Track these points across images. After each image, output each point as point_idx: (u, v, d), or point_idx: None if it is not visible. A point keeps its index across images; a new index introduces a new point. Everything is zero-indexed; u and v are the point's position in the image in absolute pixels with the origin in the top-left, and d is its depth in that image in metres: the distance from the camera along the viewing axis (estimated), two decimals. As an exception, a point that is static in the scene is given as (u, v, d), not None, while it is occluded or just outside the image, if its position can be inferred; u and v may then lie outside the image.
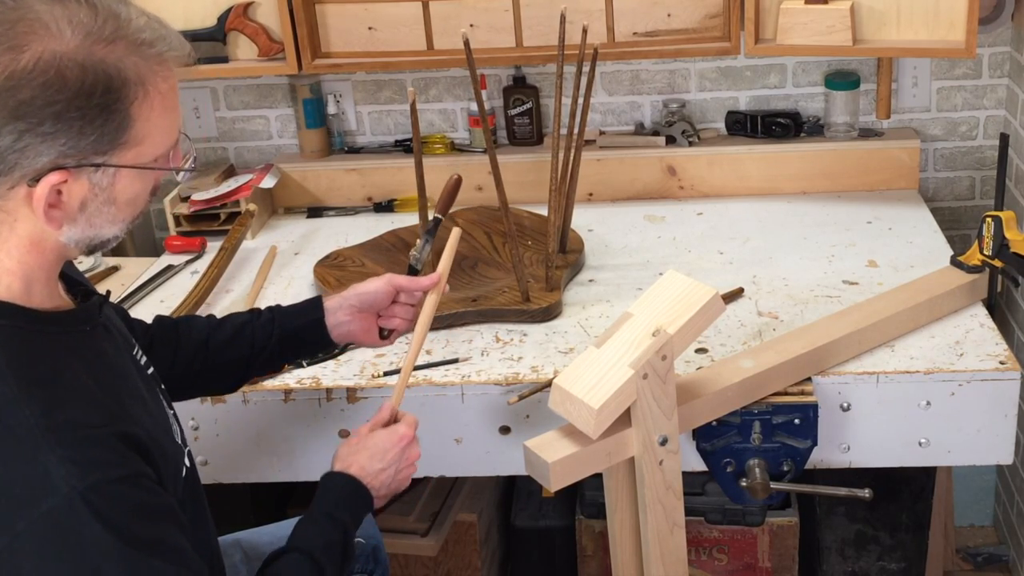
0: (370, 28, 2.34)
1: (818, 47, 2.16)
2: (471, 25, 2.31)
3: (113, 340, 1.21)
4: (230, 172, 2.53)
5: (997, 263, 1.79)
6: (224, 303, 2.08)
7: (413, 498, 2.34)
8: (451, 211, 2.22)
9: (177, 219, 2.38)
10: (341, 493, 1.38)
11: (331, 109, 2.52)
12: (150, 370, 1.30)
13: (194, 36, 2.28)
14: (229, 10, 2.31)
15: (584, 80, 2.01)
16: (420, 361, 1.77)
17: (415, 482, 2.33)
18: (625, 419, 1.44)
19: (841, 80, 2.37)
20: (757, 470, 1.66)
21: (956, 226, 2.49)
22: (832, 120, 2.41)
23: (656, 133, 2.46)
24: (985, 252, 1.81)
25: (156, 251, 2.51)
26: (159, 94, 1.10)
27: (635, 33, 2.31)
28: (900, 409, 1.69)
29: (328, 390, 1.75)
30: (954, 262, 1.90)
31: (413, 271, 1.63)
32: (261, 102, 2.56)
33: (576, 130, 2.01)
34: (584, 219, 2.31)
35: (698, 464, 1.69)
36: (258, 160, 2.60)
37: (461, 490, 2.37)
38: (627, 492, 1.52)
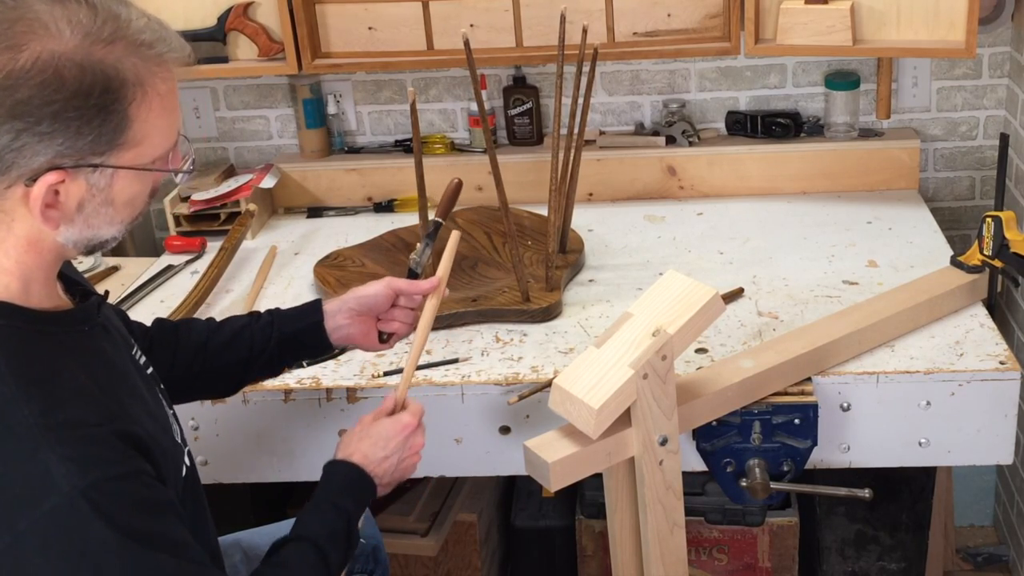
0: (370, 28, 2.35)
1: (818, 47, 2.16)
2: (471, 25, 2.31)
3: (112, 340, 1.21)
4: (230, 172, 2.53)
5: (997, 263, 1.79)
6: (224, 303, 2.08)
7: (413, 498, 2.34)
8: (452, 211, 2.23)
9: (177, 219, 2.38)
10: (344, 481, 1.38)
11: (331, 109, 2.52)
12: (149, 370, 1.30)
13: (194, 36, 2.28)
14: (229, 10, 2.31)
15: (584, 80, 2.01)
16: (420, 361, 1.77)
17: (415, 482, 2.34)
18: (625, 419, 1.44)
19: (841, 80, 2.37)
20: (757, 470, 1.66)
21: (956, 226, 2.49)
22: (832, 120, 2.41)
23: (656, 133, 2.46)
24: (985, 252, 1.81)
25: (156, 251, 2.51)
26: (158, 95, 1.10)
27: (635, 33, 2.31)
28: (900, 409, 1.69)
29: (328, 390, 1.75)
30: (954, 262, 1.90)
31: (413, 275, 1.63)
32: (261, 102, 2.56)
33: (576, 130, 2.01)
34: (584, 219, 2.31)
35: (698, 464, 1.69)
36: (258, 160, 2.60)
37: (461, 490, 2.37)
38: (627, 492, 1.52)
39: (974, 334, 1.78)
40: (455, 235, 1.57)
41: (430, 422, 1.66)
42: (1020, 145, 2.29)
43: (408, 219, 2.35)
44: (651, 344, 1.42)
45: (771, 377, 1.64)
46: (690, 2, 2.28)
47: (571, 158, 2.04)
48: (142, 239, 2.60)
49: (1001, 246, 1.77)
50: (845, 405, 1.69)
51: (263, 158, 2.60)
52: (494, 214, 2.26)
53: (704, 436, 1.66)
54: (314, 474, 1.78)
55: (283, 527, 1.64)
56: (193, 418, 1.77)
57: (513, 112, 2.47)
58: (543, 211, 2.08)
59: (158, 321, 1.56)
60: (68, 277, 1.24)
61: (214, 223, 2.38)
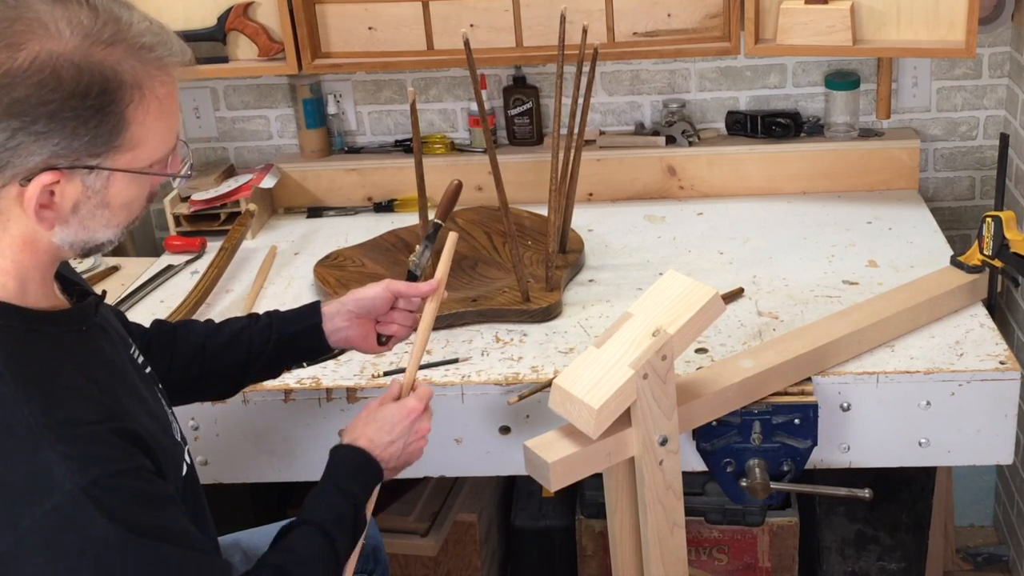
0: (370, 28, 2.35)
1: (818, 47, 2.16)
2: (471, 25, 2.31)
3: (110, 339, 1.22)
4: (230, 172, 2.53)
5: (997, 263, 1.79)
6: (224, 303, 2.08)
7: (413, 498, 2.34)
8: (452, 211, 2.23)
9: (177, 219, 2.38)
10: (350, 465, 1.38)
11: (331, 109, 2.52)
12: (147, 369, 1.30)
13: (194, 36, 2.28)
14: (229, 10, 2.31)
15: (584, 80, 2.01)
16: (421, 361, 1.77)
17: (415, 482, 2.34)
18: (625, 419, 1.44)
19: (841, 80, 2.37)
20: (757, 470, 1.66)
21: (956, 226, 2.49)
22: (832, 120, 2.41)
23: (656, 133, 2.46)
24: (985, 252, 1.81)
25: (156, 251, 2.52)
26: (156, 99, 1.09)
27: (635, 33, 2.31)
28: (900, 409, 1.69)
29: (328, 390, 1.75)
30: (954, 262, 1.90)
31: (412, 277, 1.62)
32: (261, 102, 2.56)
33: (576, 130, 2.01)
34: (584, 219, 2.31)
35: (698, 464, 1.69)
36: (258, 160, 2.60)
37: (461, 490, 2.37)
38: (627, 492, 1.52)
39: (974, 334, 1.78)
40: (453, 236, 1.57)
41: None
42: (1020, 145, 2.29)
43: (408, 219, 2.35)
44: (651, 344, 1.42)
45: (771, 377, 1.64)
46: (690, 2, 2.28)
47: (571, 158, 2.04)
48: (142, 239, 2.61)
49: (1001, 246, 1.77)
50: (845, 405, 1.69)
51: (263, 158, 2.60)
52: (494, 214, 2.26)
53: (704, 436, 1.66)
54: (314, 474, 1.77)
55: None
56: (193, 418, 1.77)
57: (513, 112, 2.47)
58: (543, 211, 2.08)
59: (156, 323, 1.56)
60: (65, 277, 1.24)
61: (214, 223, 2.38)
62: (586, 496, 2.24)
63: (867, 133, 2.42)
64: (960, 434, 1.69)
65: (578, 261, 2.11)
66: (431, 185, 2.02)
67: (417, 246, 1.67)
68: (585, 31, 1.97)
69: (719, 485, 1.71)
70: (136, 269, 2.26)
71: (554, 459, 1.42)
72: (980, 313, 1.84)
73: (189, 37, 2.21)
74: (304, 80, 2.47)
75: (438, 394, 1.73)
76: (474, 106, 2.47)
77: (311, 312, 1.57)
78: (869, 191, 2.40)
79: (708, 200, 2.42)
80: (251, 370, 1.56)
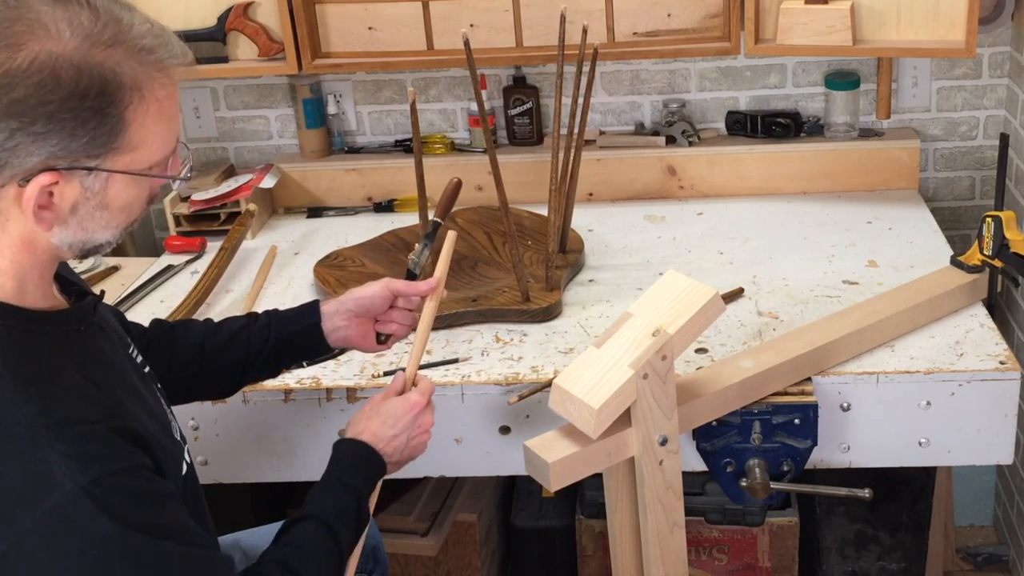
0: (370, 28, 2.35)
1: (818, 47, 2.16)
2: (471, 25, 2.31)
3: (108, 339, 1.22)
4: (230, 172, 2.53)
5: (997, 263, 1.79)
6: (224, 303, 2.08)
7: (413, 498, 2.34)
8: (452, 211, 2.23)
9: (177, 219, 2.38)
10: (354, 459, 1.39)
11: (331, 109, 2.52)
12: (146, 368, 1.30)
13: (194, 36, 2.28)
14: (229, 10, 2.31)
15: (584, 80, 2.01)
16: (420, 361, 1.77)
17: (415, 482, 2.33)
18: (625, 419, 1.44)
19: (841, 80, 2.37)
20: (757, 470, 1.66)
21: (956, 226, 2.49)
22: (832, 120, 2.41)
23: (656, 133, 2.46)
24: (985, 252, 1.81)
25: (156, 251, 2.52)
26: (156, 100, 1.09)
27: (635, 33, 2.31)
28: (900, 409, 1.69)
29: (328, 390, 1.75)
30: (954, 262, 1.90)
31: (411, 275, 1.63)
32: (261, 102, 2.56)
33: (576, 130, 2.01)
34: (584, 219, 2.31)
35: (698, 464, 1.69)
36: (258, 160, 2.60)
37: (461, 490, 2.37)
38: (627, 492, 1.52)
39: (974, 334, 1.78)
40: (451, 235, 1.57)
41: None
42: (1020, 145, 2.29)
43: (408, 219, 2.35)
44: (651, 344, 1.42)
45: (771, 377, 1.64)
46: (690, 2, 2.28)
47: (571, 158, 2.04)
48: (142, 239, 2.61)
49: (1001, 246, 1.77)
50: (845, 405, 1.69)
51: (263, 158, 2.60)
52: (494, 214, 2.26)
53: (704, 436, 1.66)
54: (314, 474, 1.77)
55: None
56: (193, 418, 1.77)
57: (513, 112, 2.47)
58: (543, 211, 2.08)
59: (155, 322, 1.56)
60: (63, 277, 1.24)
61: (214, 223, 2.38)
62: (586, 496, 2.24)
63: (867, 133, 2.42)
64: (960, 434, 1.69)
65: (578, 261, 2.11)
66: (431, 185, 2.02)
67: (416, 244, 1.67)
68: (585, 31, 1.97)
69: (719, 485, 1.71)
70: (136, 269, 2.26)
71: (554, 459, 1.42)
72: (980, 313, 1.84)
73: (189, 37, 2.22)
74: (304, 80, 2.47)
75: (438, 394, 1.73)
76: (474, 106, 2.47)
77: (310, 311, 1.57)
78: (869, 191, 2.40)
79: (708, 200, 2.42)
80: (250, 369, 1.56)
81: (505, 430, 1.74)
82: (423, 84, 2.50)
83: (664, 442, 1.46)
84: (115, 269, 2.27)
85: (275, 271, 2.21)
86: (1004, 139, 1.88)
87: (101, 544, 1.03)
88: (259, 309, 1.68)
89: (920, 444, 1.70)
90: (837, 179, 2.41)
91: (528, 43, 2.33)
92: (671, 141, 2.44)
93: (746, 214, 2.34)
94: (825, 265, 2.07)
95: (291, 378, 1.77)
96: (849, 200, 2.37)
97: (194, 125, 2.57)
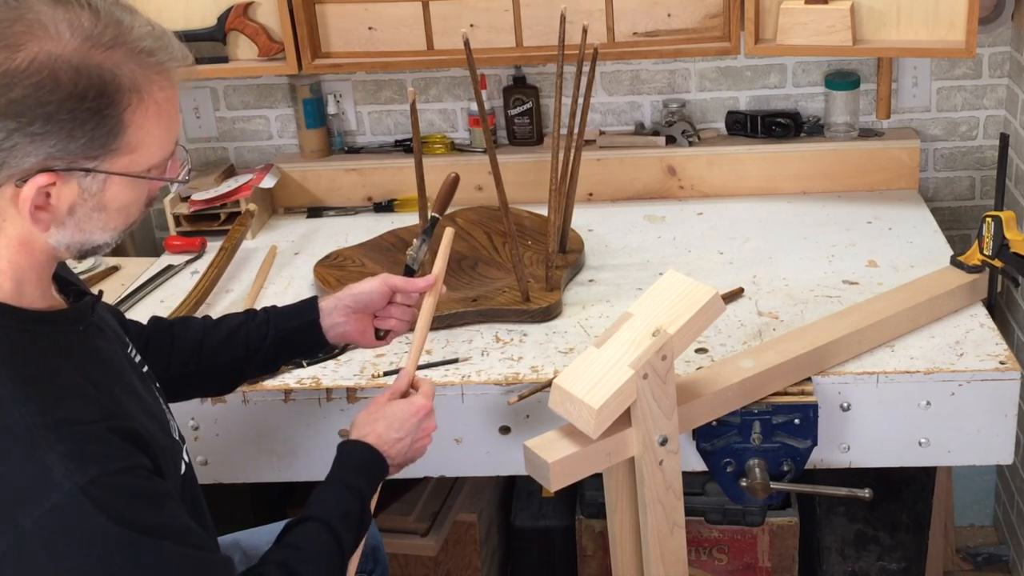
0: (370, 28, 2.35)
1: (818, 47, 2.16)
2: (471, 25, 2.31)
3: (107, 339, 1.22)
4: (230, 172, 2.53)
5: (997, 263, 1.79)
6: (224, 303, 2.08)
7: (413, 498, 2.34)
8: (452, 211, 2.23)
9: (177, 219, 2.38)
10: (358, 461, 1.39)
11: (331, 109, 2.52)
12: (145, 368, 1.30)
13: (194, 36, 2.28)
14: (229, 10, 2.31)
15: (584, 80, 2.00)
16: (420, 361, 1.77)
17: (415, 482, 2.33)
18: (625, 419, 1.44)
19: (841, 80, 2.37)
20: (757, 470, 1.66)
21: (956, 226, 2.49)
22: (832, 120, 2.41)
23: (656, 133, 2.46)
24: (985, 252, 1.81)
25: (156, 251, 2.52)
26: (155, 103, 1.09)
27: (635, 33, 2.31)
28: (900, 409, 1.69)
29: (328, 390, 1.75)
30: (954, 262, 1.90)
31: (410, 271, 1.63)
32: (261, 102, 2.56)
33: (576, 130, 2.01)
34: (584, 219, 2.31)
35: (698, 464, 1.69)
36: (258, 160, 2.60)
37: (461, 490, 2.37)
38: (627, 492, 1.52)
39: (974, 334, 1.78)
40: (449, 231, 1.57)
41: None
42: (1020, 145, 2.29)
43: (408, 219, 2.35)
44: (651, 344, 1.42)
45: (771, 377, 1.64)
46: (690, 2, 2.28)
47: (571, 158, 2.04)
48: (142, 239, 2.61)
49: (1001, 246, 1.77)
50: (845, 405, 1.69)
51: (263, 158, 2.60)
52: (494, 214, 2.26)
53: (704, 436, 1.66)
54: (314, 474, 1.78)
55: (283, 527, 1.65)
56: (193, 418, 1.77)
57: (513, 112, 2.47)
58: (543, 211, 2.08)
59: (154, 320, 1.56)
60: (62, 277, 1.24)
61: (214, 223, 2.38)
62: (586, 496, 2.24)
63: (867, 133, 2.42)
64: (960, 434, 1.69)
65: (578, 261, 2.11)
66: (431, 185, 2.02)
67: (415, 240, 1.67)
68: (585, 31, 1.97)
69: (719, 485, 1.71)
70: (136, 269, 2.26)
71: (554, 459, 1.42)
72: (980, 313, 1.84)
73: (189, 37, 2.22)
74: (304, 80, 2.47)
75: (438, 394, 1.72)
76: (474, 106, 2.47)
77: (308, 308, 1.57)
78: (869, 191, 2.40)
79: (708, 200, 2.42)
80: (249, 366, 1.56)
81: (505, 430, 1.74)
82: (423, 84, 2.50)
83: (664, 442, 1.46)
84: (115, 269, 2.27)
85: (275, 271, 2.21)
86: (1004, 139, 1.88)
87: (100, 544, 1.03)
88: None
89: (920, 444, 1.70)
90: (837, 179, 2.41)
91: (528, 43, 2.33)
92: (671, 141, 2.44)
93: (746, 214, 2.34)
94: (825, 265, 2.07)
95: (291, 378, 1.77)
96: (849, 200, 2.37)
97: (194, 125, 2.57)
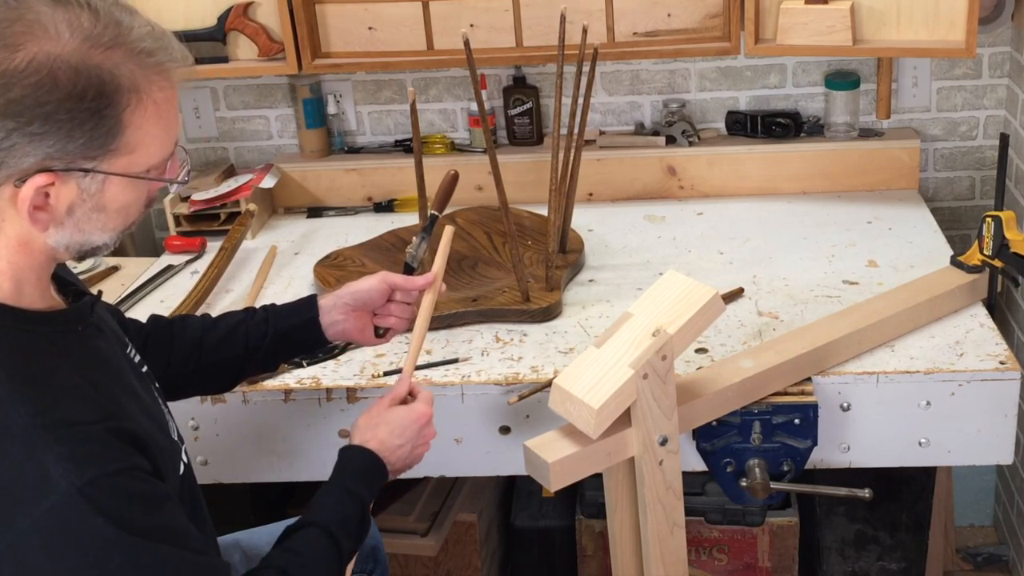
0: (370, 28, 2.35)
1: (818, 47, 2.16)
2: (471, 25, 2.31)
3: (106, 339, 1.22)
4: (230, 172, 2.53)
5: (997, 263, 1.79)
6: (224, 303, 2.08)
7: (413, 498, 2.34)
8: (452, 211, 2.23)
9: (177, 219, 2.38)
10: (360, 467, 1.39)
11: (331, 109, 2.52)
12: (144, 368, 1.30)
13: (194, 36, 2.28)
14: (229, 10, 2.31)
15: (584, 80, 2.00)
16: (420, 361, 1.77)
17: (415, 482, 2.33)
18: (625, 419, 1.44)
19: (841, 80, 2.37)
20: (757, 470, 1.66)
21: (956, 226, 2.49)
22: (832, 120, 2.41)
23: (656, 133, 2.46)
24: (985, 252, 1.81)
25: (156, 251, 2.52)
26: (154, 103, 1.09)
27: (635, 33, 2.31)
28: (900, 409, 1.69)
29: (328, 390, 1.75)
30: (954, 262, 1.90)
31: (409, 269, 1.63)
32: (261, 102, 2.56)
33: (576, 130, 2.01)
34: (584, 219, 2.31)
35: (698, 464, 1.69)
36: (258, 160, 2.60)
37: (461, 490, 2.37)
38: (627, 492, 1.52)
39: (974, 334, 1.78)
40: (449, 229, 1.57)
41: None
42: (1020, 145, 2.29)
43: (408, 219, 2.35)
44: (651, 344, 1.42)
45: (771, 377, 1.64)
46: (690, 2, 2.28)
47: (571, 158, 2.04)
48: (142, 239, 2.61)
49: (1001, 246, 1.77)
50: (845, 405, 1.69)
51: (263, 158, 2.60)
52: (494, 214, 2.26)
53: (704, 436, 1.66)
54: (314, 474, 1.78)
55: (283, 527, 1.65)
56: (193, 418, 1.77)
57: (513, 112, 2.47)
58: (543, 211, 2.08)
59: (153, 318, 1.56)
60: (61, 277, 1.24)
61: (214, 223, 2.38)
62: (586, 496, 2.24)
63: (867, 133, 2.42)
64: (960, 434, 1.69)
65: (578, 261, 2.11)
66: (431, 185, 2.01)
67: (414, 237, 1.67)
68: (585, 31, 1.97)
69: (719, 485, 1.71)
70: (136, 269, 2.26)
71: (554, 459, 1.42)
72: (980, 313, 1.84)
73: (189, 37, 2.22)
74: (304, 80, 2.47)
75: (438, 394, 1.73)
76: (474, 106, 2.47)
77: (307, 306, 1.57)
78: (869, 191, 2.40)
79: (708, 200, 2.42)
80: (248, 364, 1.56)
81: (505, 430, 1.74)
82: (423, 84, 2.50)
83: (664, 442, 1.46)
84: (115, 269, 2.27)
85: (275, 271, 2.21)
86: (1004, 139, 1.88)
87: (97, 546, 1.03)
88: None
89: (920, 444, 1.70)
90: (837, 179, 2.41)
91: (528, 43, 2.33)
92: (671, 141, 2.44)
93: (746, 214, 2.34)
94: (825, 265, 2.07)
95: (291, 378, 1.77)
96: (849, 200, 2.37)
97: (194, 125, 2.57)
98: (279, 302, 1.61)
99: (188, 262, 2.28)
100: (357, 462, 1.39)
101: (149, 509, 1.07)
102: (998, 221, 1.77)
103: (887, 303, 1.80)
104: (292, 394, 1.76)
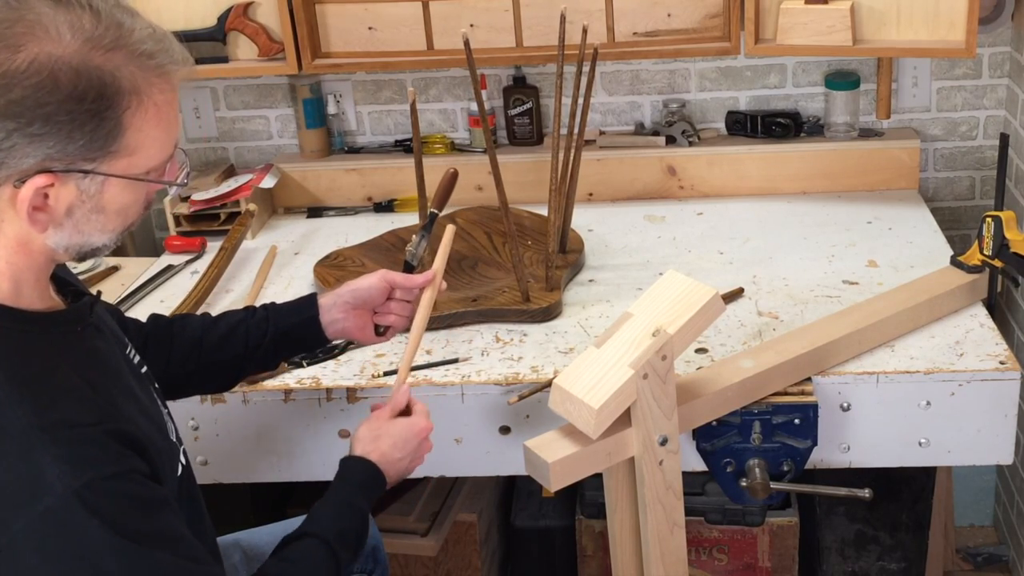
0: (370, 28, 2.35)
1: (818, 47, 2.16)
2: (471, 25, 2.31)
3: (105, 340, 1.21)
4: (230, 172, 2.53)
5: (997, 263, 1.79)
6: (224, 303, 2.08)
7: (413, 498, 2.34)
8: (452, 211, 2.23)
9: (177, 219, 2.38)
10: (361, 478, 1.39)
11: (331, 109, 2.52)
12: (143, 369, 1.30)
13: (194, 36, 2.28)
14: (229, 10, 2.31)
15: (584, 80, 2.00)
16: (420, 361, 1.78)
17: (415, 482, 2.34)
18: (625, 419, 1.44)
19: (841, 80, 2.37)
20: (757, 470, 1.66)
21: (956, 226, 2.49)
22: (832, 120, 2.41)
23: (656, 133, 2.46)
24: (985, 252, 1.81)
25: (156, 251, 2.52)
26: (154, 105, 1.09)
27: (635, 33, 2.31)
28: (900, 409, 1.69)
29: (328, 390, 1.75)
30: (954, 262, 1.90)
31: (409, 267, 1.63)
32: (261, 102, 2.56)
33: (576, 130, 2.01)
34: (584, 219, 2.31)
35: (698, 464, 1.69)
36: (258, 160, 2.60)
37: (461, 490, 2.37)
38: (627, 492, 1.52)
39: (974, 334, 1.78)
40: (450, 228, 1.57)
41: (430, 422, 1.66)
42: (1020, 145, 2.29)
43: (408, 219, 2.35)
44: (651, 344, 1.42)
45: (771, 377, 1.64)
46: (690, 2, 2.28)
47: (571, 158, 2.04)
48: (142, 239, 2.61)
49: (1001, 246, 1.77)
50: (845, 405, 1.69)
51: (263, 158, 2.60)
52: (494, 214, 2.26)
53: (704, 436, 1.66)
54: (314, 474, 1.78)
55: (283, 527, 1.65)
56: (193, 418, 1.77)
57: (513, 112, 2.47)
58: (543, 211, 2.08)
59: (153, 317, 1.56)
60: (60, 278, 1.24)
61: (214, 223, 2.38)
62: (586, 496, 2.24)
63: (867, 133, 2.42)
64: (960, 434, 1.69)
65: (578, 261, 2.11)
66: (431, 185, 2.01)
67: (413, 236, 1.67)
68: (585, 31, 1.97)
69: (719, 485, 1.71)
70: (136, 269, 2.26)
71: (554, 459, 1.42)
72: (980, 313, 1.84)
73: (189, 37, 2.22)
74: (304, 80, 2.47)
75: (438, 394, 1.73)
76: (474, 106, 2.47)
77: (308, 304, 1.57)
78: (869, 191, 2.40)
79: (708, 200, 2.42)
80: (248, 363, 1.56)
81: (505, 430, 1.74)
82: (423, 84, 2.50)
83: (664, 442, 1.46)
84: (115, 269, 2.27)
85: (275, 271, 2.21)
86: (1004, 139, 1.88)
87: (92, 549, 1.02)
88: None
89: (920, 444, 1.70)
90: (837, 179, 2.41)
91: (528, 43, 2.33)
92: (671, 141, 2.44)
93: (746, 214, 2.34)
94: (825, 265, 2.07)
95: (291, 378, 1.77)
96: (849, 200, 2.37)
97: (194, 125, 2.57)
98: (279, 301, 1.61)
99: (188, 262, 2.28)
100: (359, 473, 1.39)
101: (145, 514, 1.07)
102: (998, 221, 1.77)
103: (887, 303, 1.80)
104: (292, 394, 1.76)
